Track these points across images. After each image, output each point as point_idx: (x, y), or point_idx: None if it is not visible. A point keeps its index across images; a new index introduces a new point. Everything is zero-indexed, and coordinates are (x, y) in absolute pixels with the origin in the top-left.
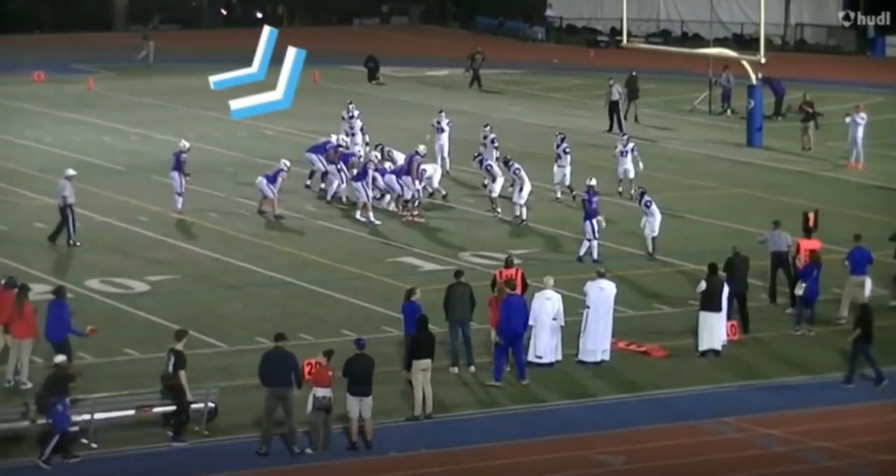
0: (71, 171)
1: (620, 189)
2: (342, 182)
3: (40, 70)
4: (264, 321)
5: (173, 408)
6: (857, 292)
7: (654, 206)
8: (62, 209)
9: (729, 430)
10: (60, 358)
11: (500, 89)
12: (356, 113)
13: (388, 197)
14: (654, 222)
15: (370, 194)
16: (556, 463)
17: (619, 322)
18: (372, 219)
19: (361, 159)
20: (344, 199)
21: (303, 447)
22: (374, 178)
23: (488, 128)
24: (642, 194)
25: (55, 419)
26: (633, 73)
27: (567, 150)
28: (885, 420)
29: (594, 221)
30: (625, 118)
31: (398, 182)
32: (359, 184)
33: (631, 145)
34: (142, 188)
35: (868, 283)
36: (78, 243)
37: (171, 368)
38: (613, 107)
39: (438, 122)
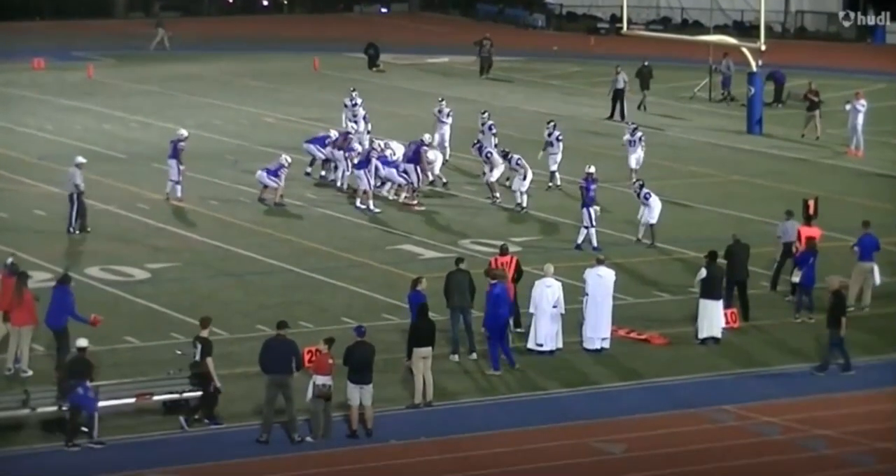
0: (81, 159)
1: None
2: (346, 169)
3: (40, 57)
4: (265, 309)
5: (199, 393)
6: (858, 279)
7: (652, 198)
8: (72, 196)
9: (729, 418)
10: (83, 342)
11: (500, 76)
12: (359, 101)
13: (387, 185)
14: (652, 212)
15: (372, 182)
16: (556, 451)
17: (619, 310)
18: (371, 206)
19: (364, 146)
20: (344, 187)
21: (303, 435)
22: (375, 167)
23: (486, 114)
24: (641, 186)
25: (78, 402)
26: (646, 63)
27: (560, 137)
28: (884, 408)
29: (591, 209)
30: (638, 107)
31: (400, 173)
32: (361, 171)
33: (639, 134)
34: (142, 176)
35: (876, 269)
36: (77, 232)
37: (198, 356)
38: (618, 95)
39: (440, 112)
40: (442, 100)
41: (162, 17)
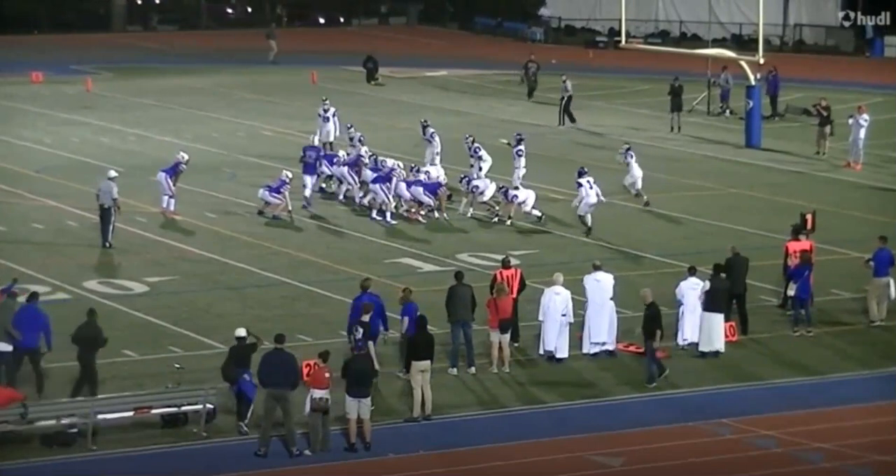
0: (114, 172)
1: (645, 198)
2: (352, 185)
3: (38, 70)
4: (263, 322)
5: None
6: (874, 294)
7: (584, 188)
8: (110, 210)
9: (728, 432)
10: (242, 331)
11: (499, 90)
12: (333, 110)
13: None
14: (587, 200)
15: (391, 196)
16: (554, 464)
17: (618, 323)
18: (388, 219)
19: (387, 166)
20: (364, 202)
21: (301, 448)
22: (396, 185)
23: (470, 138)
24: (580, 174)
25: (243, 388)
26: (677, 82)
27: (520, 152)
28: (883, 421)
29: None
30: (676, 128)
31: (409, 191)
32: (376, 185)
33: (631, 154)
34: (140, 189)
35: (892, 284)
36: (110, 246)
37: (360, 339)
38: (566, 102)
39: (424, 133)
40: (426, 122)
41: (273, 28)
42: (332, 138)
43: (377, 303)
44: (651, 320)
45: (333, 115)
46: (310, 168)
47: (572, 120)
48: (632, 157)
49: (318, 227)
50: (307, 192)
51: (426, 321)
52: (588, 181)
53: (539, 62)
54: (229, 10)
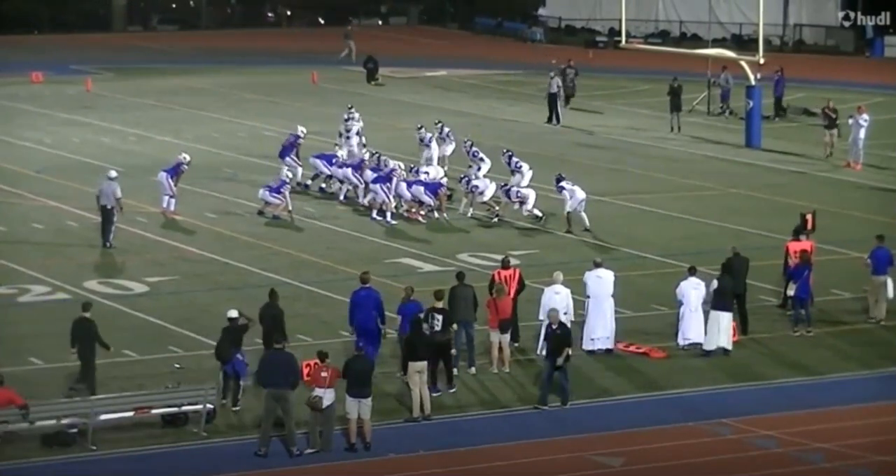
0: (114, 173)
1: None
2: (354, 186)
3: (38, 70)
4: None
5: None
6: (873, 292)
7: (566, 190)
8: (113, 210)
9: (728, 432)
10: (234, 313)
11: (498, 89)
12: (356, 116)
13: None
14: (570, 201)
15: (391, 196)
16: (554, 464)
17: (618, 323)
18: (389, 219)
19: (389, 167)
20: (365, 202)
21: (302, 448)
22: (396, 185)
23: (468, 142)
24: (558, 180)
25: (237, 367)
26: (676, 82)
27: (519, 164)
28: (883, 421)
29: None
30: (676, 128)
31: (409, 190)
32: (377, 185)
33: (447, 130)
34: (140, 189)
35: (889, 283)
36: (111, 246)
37: (438, 326)
38: (552, 99)
39: (420, 139)
40: (422, 127)
41: (351, 29)
42: (362, 141)
43: (375, 298)
44: (562, 340)
45: (358, 134)
46: (284, 150)
47: (550, 118)
48: (450, 136)
49: (318, 227)
50: (296, 176)
51: (422, 321)
52: (568, 183)
53: (577, 67)
54: (270, 14)
